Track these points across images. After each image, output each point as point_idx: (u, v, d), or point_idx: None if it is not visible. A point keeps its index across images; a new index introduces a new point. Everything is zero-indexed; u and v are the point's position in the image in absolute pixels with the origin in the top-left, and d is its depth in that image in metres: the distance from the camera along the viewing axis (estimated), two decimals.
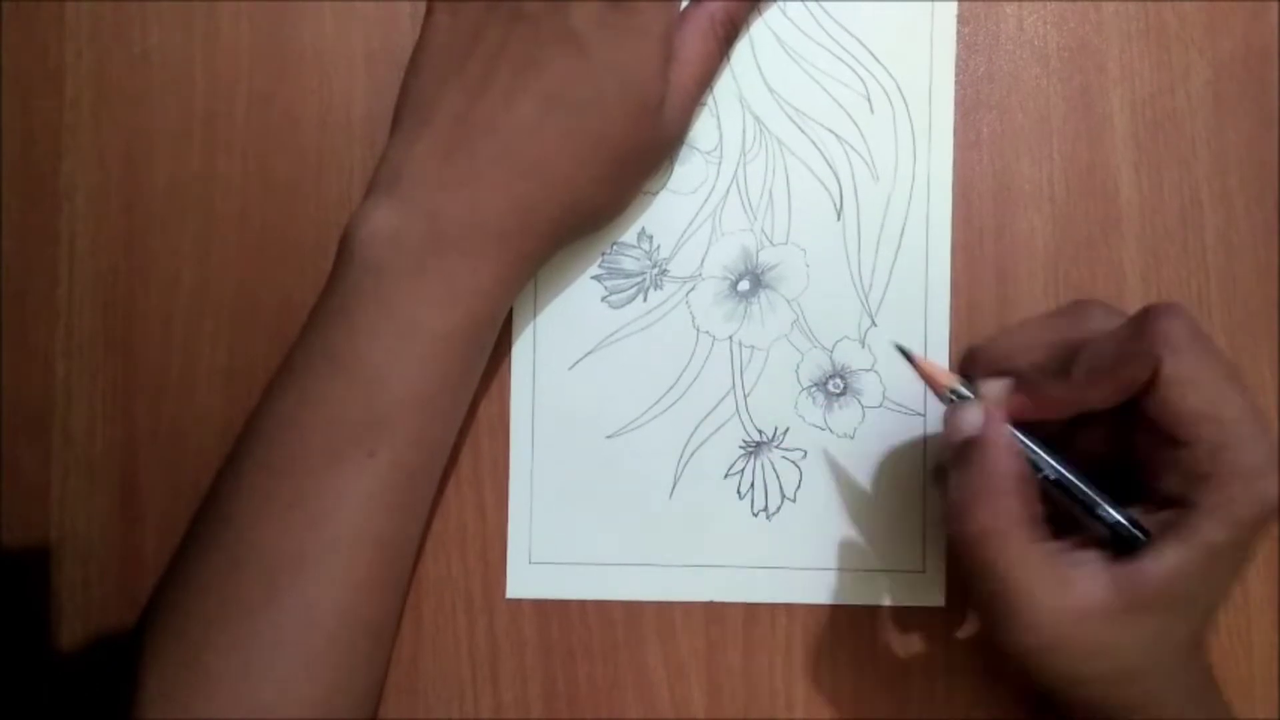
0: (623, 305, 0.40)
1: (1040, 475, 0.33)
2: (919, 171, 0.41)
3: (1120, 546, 0.33)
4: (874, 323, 0.40)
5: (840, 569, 0.40)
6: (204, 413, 0.40)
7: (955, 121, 0.41)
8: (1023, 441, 0.33)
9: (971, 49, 0.41)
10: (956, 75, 0.41)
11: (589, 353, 0.40)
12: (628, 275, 0.40)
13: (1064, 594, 0.32)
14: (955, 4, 0.41)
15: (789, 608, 0.40)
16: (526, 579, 0.40)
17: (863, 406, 0.40)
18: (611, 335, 0.40)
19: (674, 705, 0.40)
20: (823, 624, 0.40)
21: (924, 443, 0.40)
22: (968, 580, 0.34)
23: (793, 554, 0.40)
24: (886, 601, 0.40)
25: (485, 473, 0.40)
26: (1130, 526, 0.33)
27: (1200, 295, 0.41)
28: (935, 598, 0.40)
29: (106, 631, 0.39)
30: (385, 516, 0.34)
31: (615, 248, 0.40)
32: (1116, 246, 0.41)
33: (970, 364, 0.36)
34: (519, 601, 0.40)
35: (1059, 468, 0.34)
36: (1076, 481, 0.34)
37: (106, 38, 0.40)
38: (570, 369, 0.40)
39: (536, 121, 0.34)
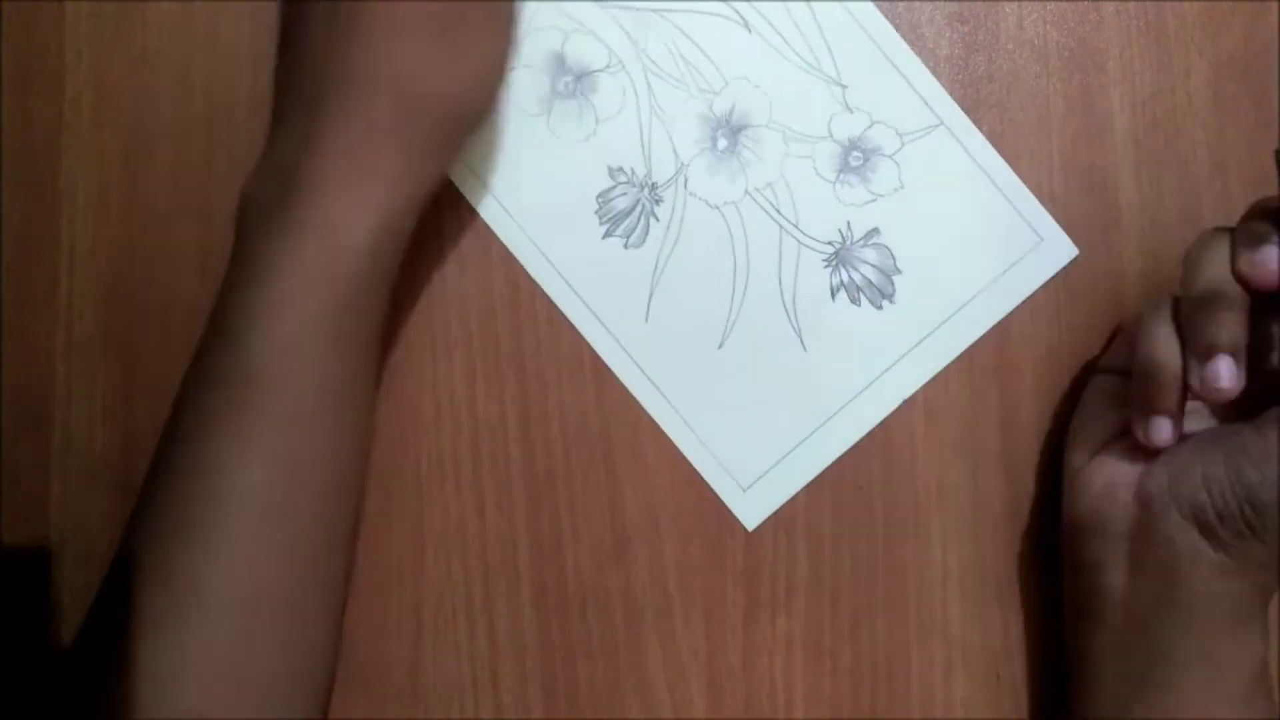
0: (642, 240, 0.40)
1: None
2: None
3: None
4: (842, 84, 0.41)
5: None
6: None
7: None
8: None
9: (971, 48, 0.41)
10: (956, 75, 0.41)
11: (650, 296, 0.41)
12: (627, 212, 0.40)
13: None
14: None
15: (789, 607, 0.40)
16: (751, 504, 0.41)
17: (888, 156, 0.41)
18: (655, 270, 0.41)
19: (674, 705, 0.40)
20: (823, 623, 0.40)
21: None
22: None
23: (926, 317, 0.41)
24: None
25: (485, 473, 0.40)
26: None
27: None
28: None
29: None
30: (266, 474, 0.33)
31: (599, 198, 0.40)
32: (1116, 246, 0.41)
33: None
34: (519, 601, 0.40)
35: None
36: None
37: (106, 38, 0.40)
38: (646, 322, 0.40)
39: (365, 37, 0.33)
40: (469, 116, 0.36)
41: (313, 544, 0.35)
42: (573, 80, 0.40)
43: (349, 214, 0.33)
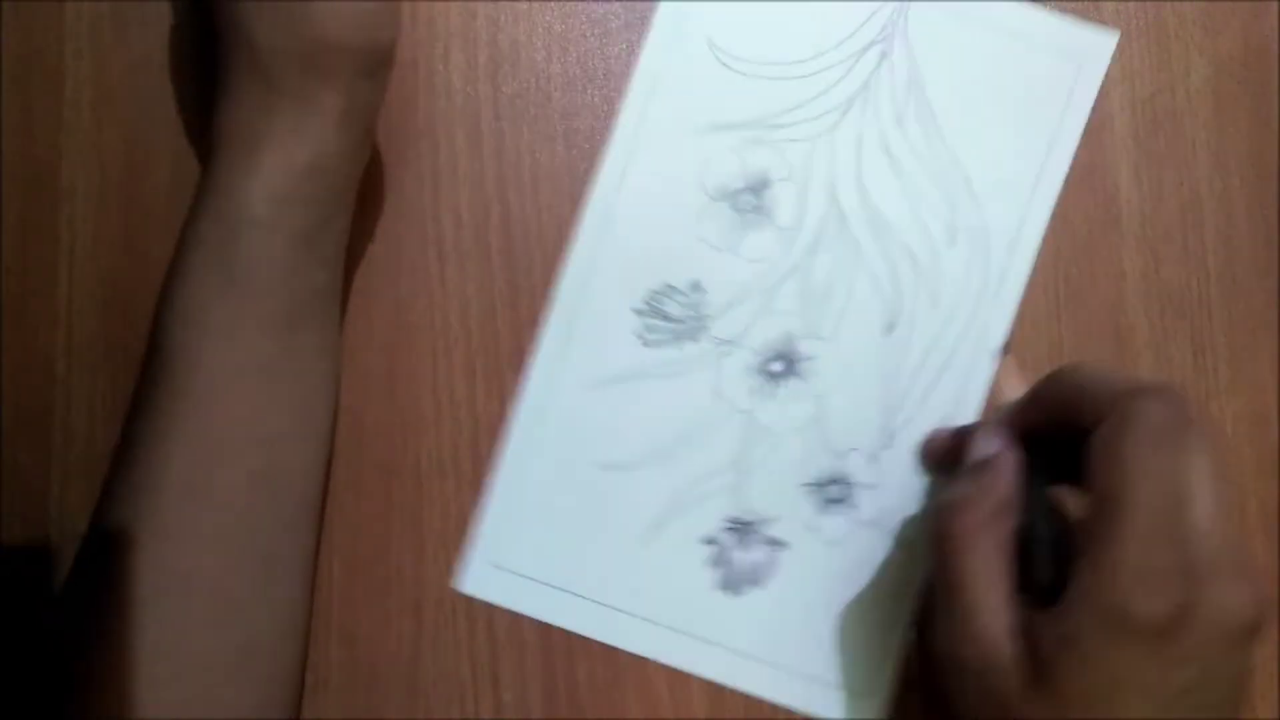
0: (655, 346, 0.40)
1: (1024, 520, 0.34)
2: (979, 316, 0.40)
3: None
4: (891, 444, 0.40)
5: (791, 670, 0.39)
6: None
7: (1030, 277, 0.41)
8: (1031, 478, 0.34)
9: None
10: None
11: (611, 381, 0.40)
12: (668, 319, 0.40)
13: (1000, 618, 0.31)
14: (1062, 174, 0.41)
15: None
16: (485, 579, 0.39)
17: (857, 521, 0.40)
18: (636, 371, 0.40)
19: (674, 705, 0.40)
20: None
21: (911, 576, 0.39)
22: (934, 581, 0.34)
23: (748, 640, 0.39)
24: (827, 716, 0.39)
25: (485, 474, 0.40)
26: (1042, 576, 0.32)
27: (1200, 295, 0.41)
28: None
29: None
30: (182, 457, 0.34)
31: (665, 289, 0.40)
32: (1116, 246, 0.41)
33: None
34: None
35: (1039, 516, 0.33)
36: (1042, 528, 0.33)
37: (106, 38, 0.40)
38: (589, 390, 0.40)
39: None
40: (364, 63, 0.34)
41: (242, 528, 0.34)
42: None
43: (242, 182, 0.33)
